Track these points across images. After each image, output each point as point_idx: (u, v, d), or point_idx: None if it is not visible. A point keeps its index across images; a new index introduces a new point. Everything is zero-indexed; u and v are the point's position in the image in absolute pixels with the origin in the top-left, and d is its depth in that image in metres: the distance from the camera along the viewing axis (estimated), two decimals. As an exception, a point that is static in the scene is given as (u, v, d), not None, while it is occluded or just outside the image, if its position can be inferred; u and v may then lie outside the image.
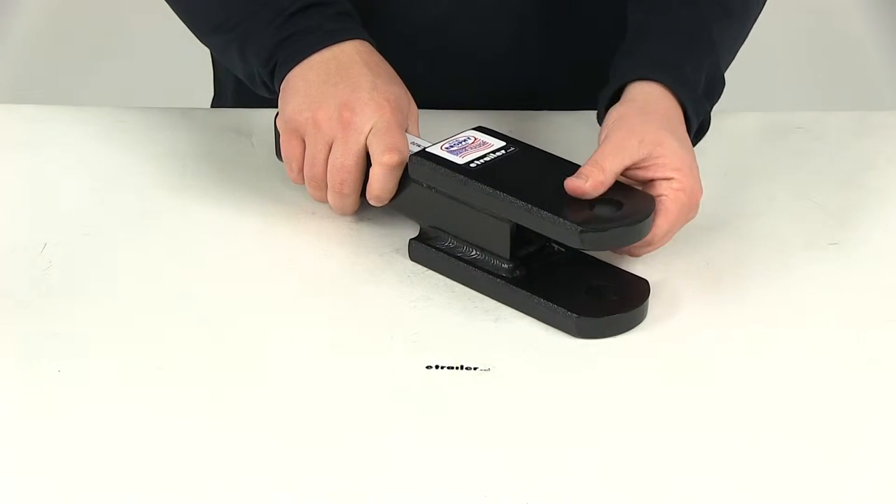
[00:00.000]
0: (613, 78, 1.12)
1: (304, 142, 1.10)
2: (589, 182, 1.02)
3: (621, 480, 0.91)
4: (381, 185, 1.09)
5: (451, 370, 0.99)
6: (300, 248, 1.11)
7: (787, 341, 1.03)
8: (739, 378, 1.00)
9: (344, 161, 1.09)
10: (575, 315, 1.02)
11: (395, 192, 1.09)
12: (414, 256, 1.09)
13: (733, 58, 1.19)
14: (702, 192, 1.06)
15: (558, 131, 1.24)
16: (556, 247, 1.07)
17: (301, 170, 1.11)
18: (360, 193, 1.10)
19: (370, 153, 1.09)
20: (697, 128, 1.12)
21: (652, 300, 1.05)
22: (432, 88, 1.22)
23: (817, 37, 2.80)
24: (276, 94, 1.13)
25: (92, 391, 0.98)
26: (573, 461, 0.92)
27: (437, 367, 1.00)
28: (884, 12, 2.93)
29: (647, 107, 1.08)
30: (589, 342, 1.02)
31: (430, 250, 1.08)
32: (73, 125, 1.26)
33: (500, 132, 1.10)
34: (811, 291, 1.08)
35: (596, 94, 1.13)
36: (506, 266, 1.06)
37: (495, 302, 1.06)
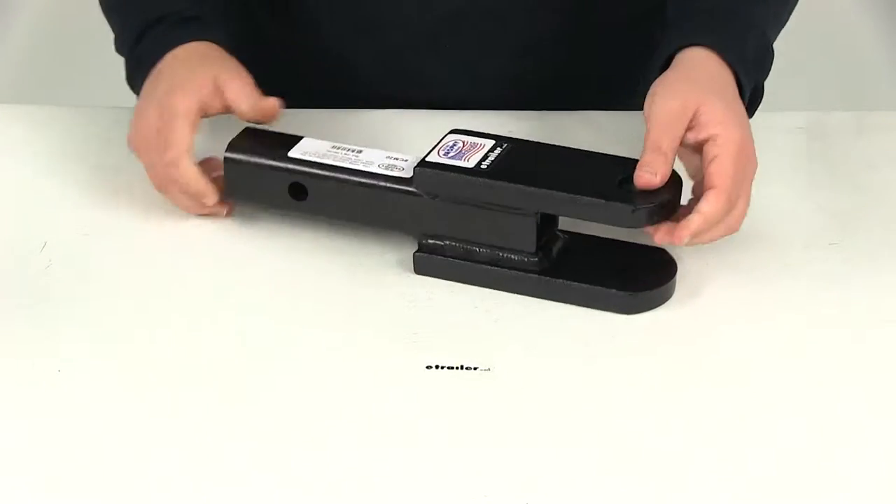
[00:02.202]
0: (659, 49, 1.11)
1: None
2: (658, 176, 1.02)
3: (621, 480, 0.91)
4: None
5: (451, 370, 0.99)
6: (300, 248, 1.11)
7: (786, 341, 1.03)
8: (739, 378, 1.00)
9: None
10: (625, 293, 1.03)
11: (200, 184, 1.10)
12: (421, 269, 1.08)
13: (778, 31, 1.18)
14: (748, 139, 1.04)
15: (559, 131, 1.24)
16: (559, 234, 1.08)
17: None
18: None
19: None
20: (751, 96, 1.11)
21: (652, 300, 1.06)
22: (446, 86, 1.23)
23: (817, 37, 2.80)
24: None
25: (92, 391, 0.98)
26: (573, 461, 0.92)
27: (437, 367, 1.00)
28: (884, 12, 2.93)
29: (692, 72, 1.08)
30: (588, 342, 1.02)
31: (439, 259, 1.07)
32: (73, 125, 1.26)
33: (478, 131, 1.09)
34: (811, 291, 1.08)
35: (613, 90, 1.13)
36: (533, 260, 1.06)
37: (495, 302, 1.06)
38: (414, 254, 1.08)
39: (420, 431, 0.95)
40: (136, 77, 1.16)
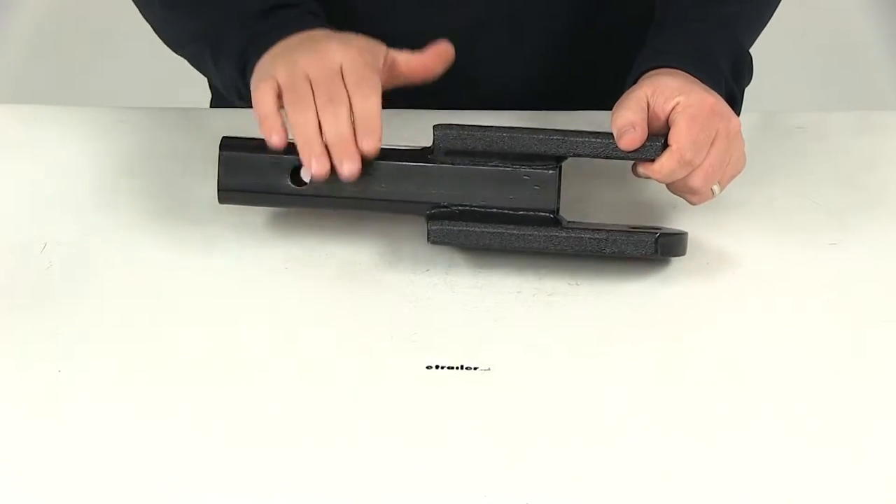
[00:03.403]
0: (630, 76, 1.14)
1: (279, 86, 1.06)
2: (638, 128, 1.03)
3: (621, 480, 0.91)
4: (363, 113, 1.03)
5: (451, 370, 0.99)
6: (300, 247, 1.11)
7: (786, 341, 1.03)
8: (739, 378, 1.00)
9: (328, 76, 1.04)
10: (654, 235, 1.03)
11: (380, 128, 1.04)
12: (436, 238, 1.06)
13: (755, 34, 1.19)
14: (715, 100, 1.05)
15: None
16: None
17: (277, 108, 1.05)
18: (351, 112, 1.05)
19: (347, 88, 1.04)
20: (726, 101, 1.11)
21: (650, 300, 1.06)
22: (459, 90, 1.23)
23: (817, 37, 2.80)
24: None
25: (92, 391, 0.98)
26: (573, 461, 0.92)
27: (437, 367, 1.00)
28: (884, 12, 2.93)
29: (647, 78, 1.09)
30: (588, 341, 1.02)
31: (455, 225, 1.06)
32: (73, 125, 1.26)
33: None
34: (811, 291, 1.08)
35: (622, 92, 1.13)
36: (553, 216, 1.06)
37: (495, 301, 1.06)
38: (427, 223, 1.06)
39: (420, 431, 0.95)
40: (259, 43, 1.11)
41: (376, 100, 1.04)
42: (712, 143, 1.05)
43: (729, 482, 0.91)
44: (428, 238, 1.06)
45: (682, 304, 1.06)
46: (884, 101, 2.68)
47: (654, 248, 1.04)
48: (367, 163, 1.06)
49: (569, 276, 1.08)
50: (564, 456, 0.93)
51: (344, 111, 1.03)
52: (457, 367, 1.00)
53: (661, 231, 1.05)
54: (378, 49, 1.10)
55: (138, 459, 0.92)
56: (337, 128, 1.03)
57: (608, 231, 1.04)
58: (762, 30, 1.21)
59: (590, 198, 1.16)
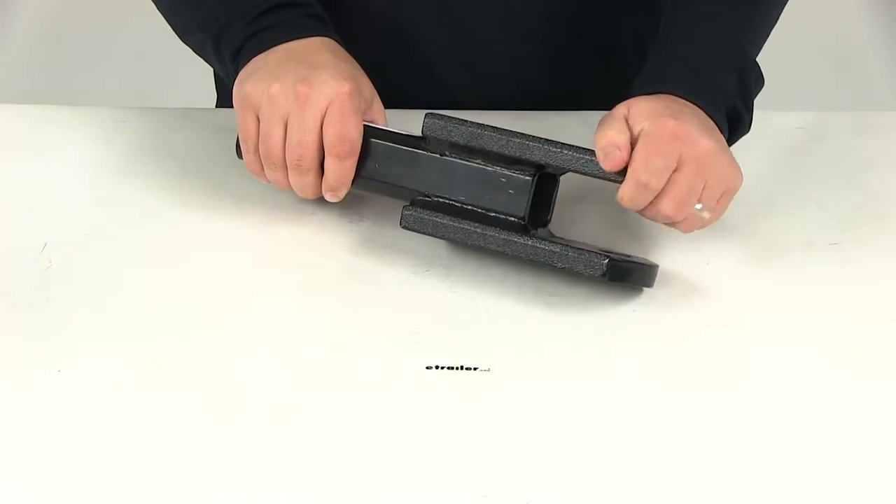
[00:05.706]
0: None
1: (258, 119, 1.08)
2: (623, 150, 1.01)
3: (621, 480, 0.91)
4: (334, 176, 1.07)
5: (451, 370, 1.00)
6: (300, 248, 1.11)
7: (786, 341, 1.03)
8: (739, 378, 1.00)
9: (301, 137, 1.06)
10: (605, 258, 1.02)
11: (349, 184, 1.09)
12: (407, 223, 1.07)
13: (763, 40, 1.17)
14: (677, 124, 1.02)
15: (558, 132, 1.24)
16: (550, 231, 1.09)
17: (257, 149, 1.09)
18: (321, 173, 1.09)
19: (323, 140, 1.07)
20: (733, 115, 1.10)
21: (650, 300, 1.05)
22: (458, 90, 1.23)
23: (817, 37, 2.80)
24: None
25: (92, 391, 0.98)
26: (573, 461, 0.92)
27: (437, 367, 1.00)
28: (884, 12, 2.93)
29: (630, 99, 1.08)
30: (588, 342, 1.02)
31: (427, 214, 1.06)
32: (74, 125, 1.26)
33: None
34: (811, 291, 1.08)
35: (620, 96, 1.12)
36: (521, 223, 1.06)
37: (495, 302, 1.06)
38: (404, 208, 1.07)
39: (420, 431, 0.95)
40: (254, 43, 1.11)
41: (351, 163, 1.08)
42: (677, 169, 1.02)
43: (727, 482, 0.91)
44: (400, 222, 1.07)
45: (683, 303, 1.06)
46: (884, 101, 2.69)
47: (603, 271, 1.03)
48: (363, 142, 1.08)
49: (569, 276, 1.08)
50: (564, 456, 0.93)
51: (310, 179, 1.08)
52: (457, 368, 1.00)
53: (612, 256, 1.03)
54: (367, 89, 1.11)
55: (138, 459, 0.92)
56: (303, 191, 1.10)
57: (562, 245, 1.04)
58: (770, 32, 1.19)
59: (594, 196, 1.16)
